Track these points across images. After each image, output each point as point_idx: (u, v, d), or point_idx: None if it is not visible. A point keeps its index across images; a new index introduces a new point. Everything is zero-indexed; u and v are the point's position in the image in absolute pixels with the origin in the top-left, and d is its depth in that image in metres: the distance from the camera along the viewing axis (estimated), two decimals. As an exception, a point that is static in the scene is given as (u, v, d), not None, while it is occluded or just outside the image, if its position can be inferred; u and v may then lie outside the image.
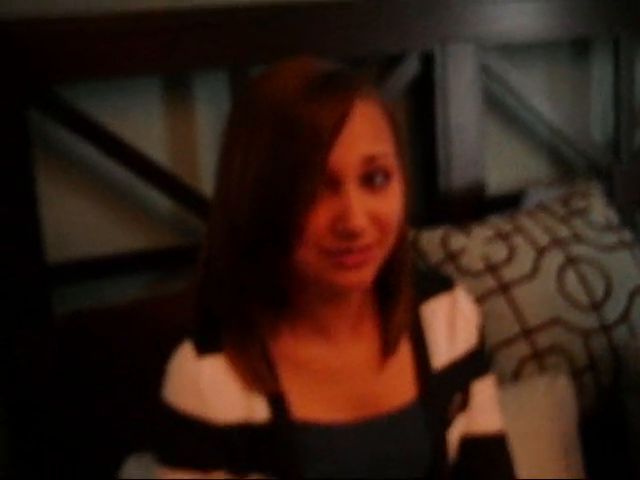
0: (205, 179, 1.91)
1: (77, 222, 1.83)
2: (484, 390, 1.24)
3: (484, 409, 1.23)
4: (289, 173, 1.01)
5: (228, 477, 1.12)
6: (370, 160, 1.04)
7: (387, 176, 1.06)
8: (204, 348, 1.12)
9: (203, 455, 1.11)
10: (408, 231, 1.17)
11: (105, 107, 1.82)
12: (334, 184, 1.03)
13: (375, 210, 1.05)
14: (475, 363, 1.23)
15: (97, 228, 1.85)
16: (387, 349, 1.16)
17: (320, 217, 1.03)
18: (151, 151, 1.85)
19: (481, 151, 2.10)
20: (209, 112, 1.90)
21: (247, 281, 1.09)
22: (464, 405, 1.22)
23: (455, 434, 1.20)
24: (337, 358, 1.15)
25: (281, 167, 1.02)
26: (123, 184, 1.86)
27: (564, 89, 2.34)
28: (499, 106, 2.24)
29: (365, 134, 1.04)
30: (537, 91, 2.22)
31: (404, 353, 1.18)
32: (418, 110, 2.09)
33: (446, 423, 1.18)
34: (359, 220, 1.02)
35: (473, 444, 1.22)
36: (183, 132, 1.91)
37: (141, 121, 1.87)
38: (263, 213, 1.04)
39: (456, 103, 2.05)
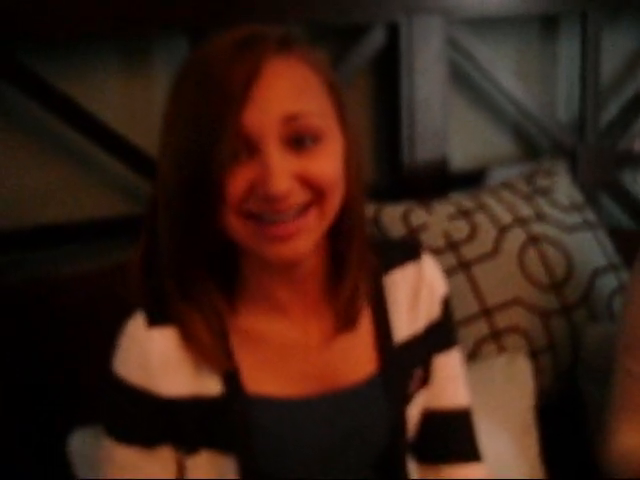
0: (163, 146, 1.87)
1: (30, 188, 1.79)
2: (448, 364, 1.21)
3: (447, 384, 1.21)
4: (204, 133, 0.99)
5: (174, 453, 1.11)
6: (291, 119, 1.00)
7: (316, 136, 1.02)
8: (155, 320, 1.10)
9: (148, 428, 1.10)
10: (361, 199, 1.11)
11: (62, 71, 1.77)
12: (254, 147, 1.00)
13: (303, 172, 1.01)
14: (438, 336, 1.20)
15: (51, 195, 1.81)
16: (341, 325, 1.13)
17: (240, 180, 1.00)
18: (108, 116, 1.80)
19: (445, 126, 2.07)
20: (168, 77, 1.85)
21: (187, 252, 1.06)
22: (425, 380, 1.19)
23: (415, 409, 1.18)
24: (292, 332, 1.13)
25: (197, 127, 0.99)
26: (78, 150, 1.81)
27: (531, 66, 2.33)
28: (465, 81, 2.21)
29: (284, 92, 1.00)
30: (504, 67, 2.19)
31: (365, 325, 1.15)
32: (383, 82, 2.06)
33: (406, 398, 1.16)
34: (280, 183, 0.98)
35: (435, 419, 1.21)
36: (141, 97, 1.86)
37: (98, 86, 1.82)
38: (185, 177, 1.01)
39: (421, 76, 2.02)
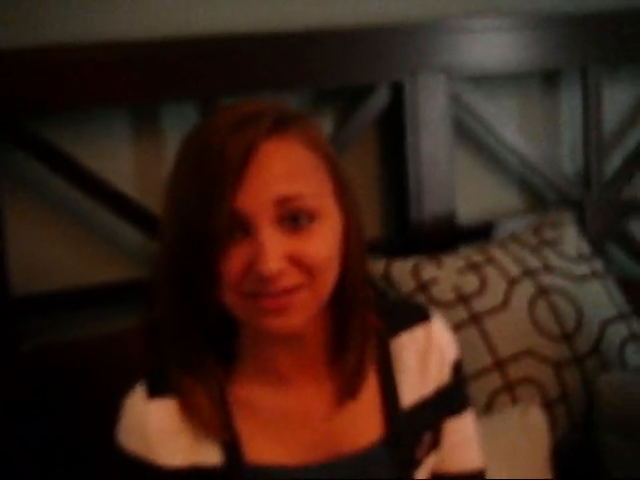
0: (174, 210, 1.89)
1: (44, 254, 1.81)
2: (460, 428, 1.19)
3: (460, 448, 1.19)
4: (199, 212, 0.99)
5: None
6: (284, 201, 1.00)
7: (311, 217, 1.02)
8: (155, 390, 1.10)
9: None
10: (362, 271, 1.11)
11: (73, 138, 1.80)
12: (248, 227, 1.00)
13: (296, 252, 1.01)
14: (448, 401, 1.18)
15: (64, 260, 1.82)
16: (343, 393, 1.12)
17: (234, 261, 1.00)
18: (119, 183, 1.82)
19: (452, 181, 2.09)
20: (177, 143, 1.88)
21: (185, 322, 1.06)
22: (435, 444, 1.17)
23: (424, 474, 1.16)
24: (294, 401, 1.12)
25: (193, 205, 1.00)
26: (91, 216, 1.83)
27: (534, 120, 2.35)
28: (470, 136, 2.24)
29: (278, 174, 1.00)
30: (507, 122, 2.22)
31: (370, 390, 1.14)
32: (389, 140, 2.09)
33: (415, 463, 1.14)
34: (272, 264, 0.98)
35: None
36: (152, 164, 1.89)
37: (110, 153, 1.85)
38: (182, 251, 1.02)
39: (426, 133, 2.05)
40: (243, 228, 1.00)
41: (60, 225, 1.82)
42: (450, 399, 1.18)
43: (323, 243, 1.03)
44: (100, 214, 1.83)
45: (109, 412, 1.53)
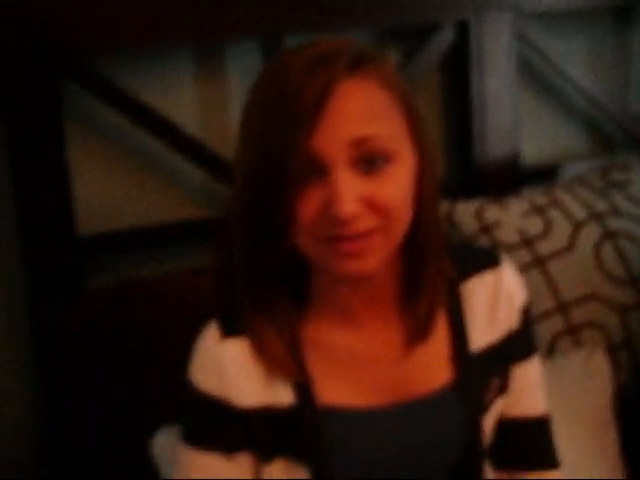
0: (237, 150, 1.90)
1: (108, 194, 1.83)
2: (527, 373, 1.19)
3: (527, 393, 1.19)
4: (273, 153, 0.98)
5: (252, 459, 1.11)
6: (360, 142, 0.99)
7: (386, 158, 1.01)
8: (229, 330, 1.11)
9: (225, 436, 1.11)
10: (435, 213, 1.10)
11: (137, 77, 1.80)
12: (323, 169, 0.99)
13: (371, 195, 1.00)
14: (516, 346, 1.18)
15: (128, 200, 1.84)
16: (414, 336, 1.12)
17: (310, 203, 1.00)
18: (183, 122, 1.83)
19: (517, 122, 2.06)
20: (242, 82, 1.88)
21: (257, 265, 1.06)
22: (503, 389, 1.17)
23: (492, 418, 1.17)
24: (364, 343, 1.12)
25: (267, 146, 0.99)
26: (155, 155, 1.84)
27: (603, 59, 2.29)
28: (536, 76, 2.20)
29: (354, 115, 0.99)
30: (575, 61, 2.17)
31: (441, 334, 1.14)
32: (453, 81, 2.06)
33: (482, 408, 1.14)
34: (347, 206, 0.98)
35: (514, 427, 1.19)
36: (216, 102, 1.89)
37: (173, 91, 1.85)
38: (255, 194, 1.02)
39: (492, 73, 2.01)
40: (318, 170, 0.99)
41: (124, 165, 1.83)
42: (518, 344, 1.18)
43: (398, 185, 1.02)
44: (164, 154, 1.84)
45: (175, 351, 1.56)
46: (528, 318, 1.19)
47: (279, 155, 0.98)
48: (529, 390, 1.20)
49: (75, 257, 1.73)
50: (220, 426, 1.10)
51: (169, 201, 1.88)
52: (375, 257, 1.02)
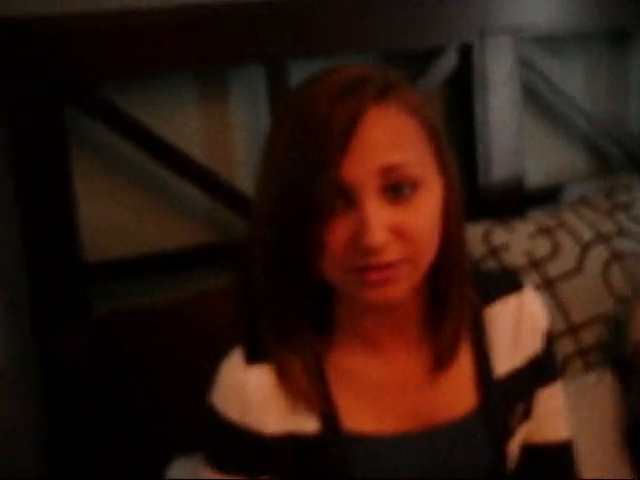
0: (241, 175, 1.90)
1: (114, 220, 1.82)
2: (550, 399, 1.18)
3: (549, 418, 1.18)
4: (301, 182, 0.97)
5: None
6: (389, 170, 0.98)
7: (414, 186, 0.99)
8: (253, 357, 1.10)
9: (247, 462, 1.10)
10: (461, 240, 1.09)
11: (141, 103, 1.80)
12: (351, 198, 0.98)
13: (400, 223, 0.99)
14: (540, 370, 1.17)
15: (134, 226, 1.84)
16: (439, 363, 1.11)
17: (338, 233, 0.98)
18: (187, 147, 1.83)
19: (520, 144, 2.06)
20: (245, 107, 1.88)
21: (281, 294, 1.05)
22: (527, 414, 1.16)
23: (516, 444, 1.16)
24: (389, 370, 1.11)
25: (294, 175, 0.98)
26: (159, 181, 1.84)
27: (603, 81, 2.31)
28: (537, 98, 2.21)
29: (382, 143, 0.98)
30: (575, 83, 2.19)
31: (465, 359, 1.13)
32: (456, 103, 2.07)
33: (507, 433, 1.13)
34: (377, 235, 0.96)
35: (537, 452, 1.18)
36: (219, 128, 1.89)
37: (177, 117, 1.85)
38: (281, 224, 1.00)
39: (495, 95, 2.02)
40: (346, 198, 0.98)
41: (129, 191, 1.83)
42: (542, 369, 1.17)
43: (425, 213, 1.01)
44: (168, 179, 1.83)
45: (183, 377, 1.55)
46: (550, 342, 1.19)
47: (308, 186, 0.97)
48: (553, 415, 1.19)
49: (81, 284, 1.72)
50: (242, 452, 1.10)
51: (174, 227, 1.87)
52: (402, 286, 1.01)
